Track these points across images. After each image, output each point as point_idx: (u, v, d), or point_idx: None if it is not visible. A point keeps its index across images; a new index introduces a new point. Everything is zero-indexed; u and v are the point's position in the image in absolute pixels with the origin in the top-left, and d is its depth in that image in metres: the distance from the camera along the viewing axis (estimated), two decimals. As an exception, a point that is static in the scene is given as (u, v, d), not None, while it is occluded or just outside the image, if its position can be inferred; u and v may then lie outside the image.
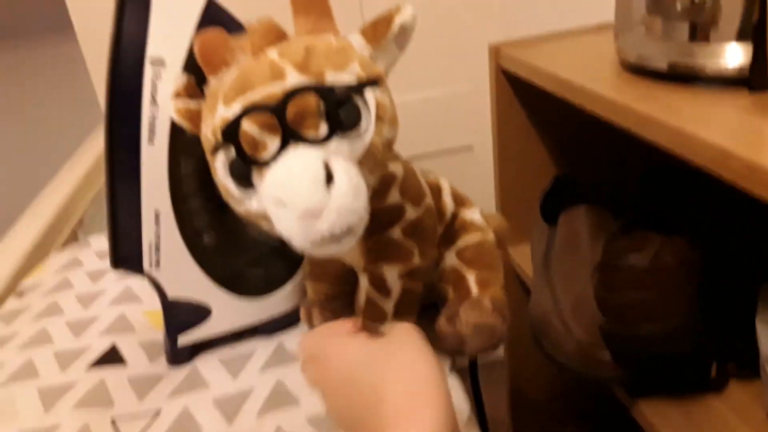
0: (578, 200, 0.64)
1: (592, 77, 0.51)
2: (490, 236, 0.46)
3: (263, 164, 0.32)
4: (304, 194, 0.30)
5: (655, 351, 0.46)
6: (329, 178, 0.31)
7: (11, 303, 0.62)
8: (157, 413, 0.44)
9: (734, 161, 0.33)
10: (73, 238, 0.84)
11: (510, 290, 0.78)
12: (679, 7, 0.44)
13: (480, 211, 0.48)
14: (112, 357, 0.50)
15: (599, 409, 0.89)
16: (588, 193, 0.66)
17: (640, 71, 0.50)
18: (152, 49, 0.41)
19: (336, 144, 0.33)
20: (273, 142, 0.32)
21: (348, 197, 0.31)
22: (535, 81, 0.60)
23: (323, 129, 0.32)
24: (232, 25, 0.41)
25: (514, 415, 0.89)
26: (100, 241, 0.72)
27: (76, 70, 1.39)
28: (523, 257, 0.75)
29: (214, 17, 0.42)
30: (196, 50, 0.37)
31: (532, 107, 0.71)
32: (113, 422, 0.43)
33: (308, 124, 0.32)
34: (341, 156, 0.33)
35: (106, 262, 0.65)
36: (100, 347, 0.51)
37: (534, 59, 0.61)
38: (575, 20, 0.72)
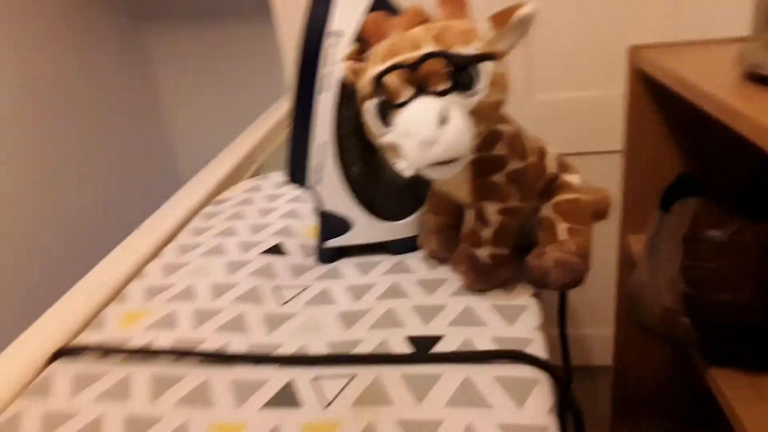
0: (694, 194, 0.69)
1: (719, 84, 0.57)
2: (586, 198, 0.55)
3: (398, 106, 0.45)
4: (423, 128, 0.43)
5: (727, 319, 0.52)
6: (444, 120, 0.43)
7: (210, 208, 0.82)
8: (306, 287, 0.59)
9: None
10: (256, 173, 1.05)
11: (623, 271, 0.85)
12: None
13: (586, 181, 0.56)
14: (278, 250, 0.67)
15: (698, 411, 0.91)
16: (704, 188, 0.70)
17: (756, 78, 0.54)
18: (334, 25, 0.55)
19: (453, 97, 0.44)
20: (407, 91, 0.45)
21: (455, 134, 0.43)
22: (661, 79, 0.66)
23: (445, 85, 0.44)
24: (392, 10, 0.54)
25: (615, 411, 0.95)
26: (276, 177, 0.90)
27: (266, 50, 1.67)
28: (639, 245, 0.81)
29: (381, 3, 0.55)
30: (363, 27, 0.51)
31: (662, 108, 0.77)
32: (274, 288, 0.60)
33: (434, 81, 0.44)
34: (456, 106, 0.44)
35: (280, 191, 0.83)
36: (270, 242, 0.68)
37: (668, 62, 0.67)
38: (715, 33, 0.76)
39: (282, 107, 1.29)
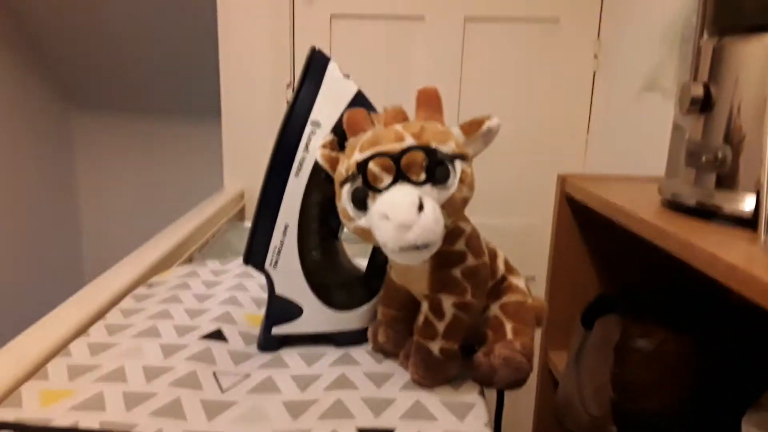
0: (613, 311, 0.75)
1: (636, 206, 0.64)
2: (530, 302, 0.58)
3: (378, 191, 0.48)
4: (403, 211, 0.45)
5: (653, 425, 0.55)
6: (421, 207, 0.46)
7: (141, 290, 0.78)
8: (248, 375, 0.57)
9: (720, 263, 0.45)
10: (189, 260, 1.02)
11: (544, 385, 0.88)
12: (704, 160, 0.58)
13: (527, 285, 0.60)
14: (217, 335, 0.64)
15: None
16: (622, 307, 0.76)
17: (674, 206, 0.62)
18: (314, 115, 0.59)
19: (429, 189, 0.48)
20: (388, 178, 0.48)
21: (431, 222, 0.45)
22: (588, 203, 0.73)
23: (423, 176, 0.48)
24: (371, 109, 0.58)
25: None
26: (214, 264, 0.88)
27: (210, 147, 1.69)
28: (559, 360, 0.85)
29: (359, 101, 0.59)
30: (345, 119, 0.55)
31: (586, 230, 0.84)
32: (214, 374, 0.57)
33: (414, 171, 0.48)
34: (431, 197, 0.47)
35: (219, 277, 0.81)
36: (209, 328, 0.66)
37: (593, 188, 0.75)
38: (641, 170, 0.87)
39: (216, 203, 1.28)
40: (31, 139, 1.66)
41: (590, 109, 1.38)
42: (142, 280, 0.82)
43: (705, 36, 0.58)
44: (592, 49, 1.36)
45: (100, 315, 0.70)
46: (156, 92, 1.80)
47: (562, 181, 0.83)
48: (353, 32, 1.38)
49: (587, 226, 0.84)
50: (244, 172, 1.46)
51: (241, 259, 0.88)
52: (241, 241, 1.14)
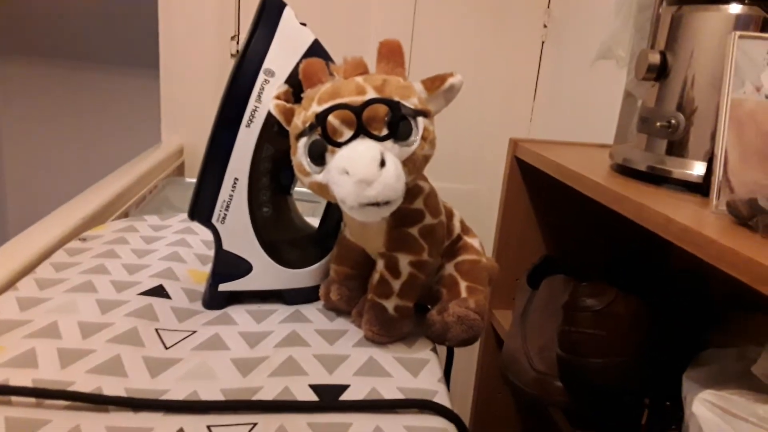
0: (559, 272, 0.76)
1: (587, 170, 0.65)
2: (484, 261, 0.58)
3: (337, 145, 0.46)
4: (364, 167, 0.44)
5: (598, 382, 0.56)
6: (382, 163, 0.44)
7: (74, 243, 0.73)
8: (193, 332, 0.54)
9: (674, 225, 0.46)
10: (125, 216, 0.97)
11: (487, 343, 0.89)
12: (657, 126, 0.59)
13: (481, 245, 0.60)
14: (159, 292, 0.61)
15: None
16: (568, 268, 0.78)
17: (625, 171, 0.64)
18: (267, 63, 0.55)
19: (391, 144, 0.46)
20: (348, 132, 0.46)
21: (392, 178, 0.44)
22: (540, 167, 0.74)
23: (384, 131, 0.46)
24: (328, 59, 0.56)
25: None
26: (153, 219, 0.84)
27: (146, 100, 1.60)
28: (504, 319, 0.87)
29: (316, 51, 0.57)
30: (301, 69, 0.52)
31: (534, 194, 0.86)
32: (157, 331, 0.54)
33: (375, 126, 0.46)
34: (392, 153, 0.46)
35: (159, 233, 0.78)
36: (149, 284, 0.63)
37: (544, 153, 0.76)
38: (585, 138, 0.89)
39: (154, 158, 1.22)
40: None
41: (537, 77, 1.39)
42: (74, 234, 0.77)
43: (664, 4, 0.58)
44: (542, 19, 1.36)
45: (29, 269, 0.65)
46: (89, 39, 1.68)
47: (514, 144, 0.83)
48: (302, -15, 1.33)
49: (535, 190, 0.85)
50: (183, 127, 1.39)
51: (182, 215, 0.85)
52: (180, 197, 1.09)
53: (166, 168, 1.26)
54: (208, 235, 0.77)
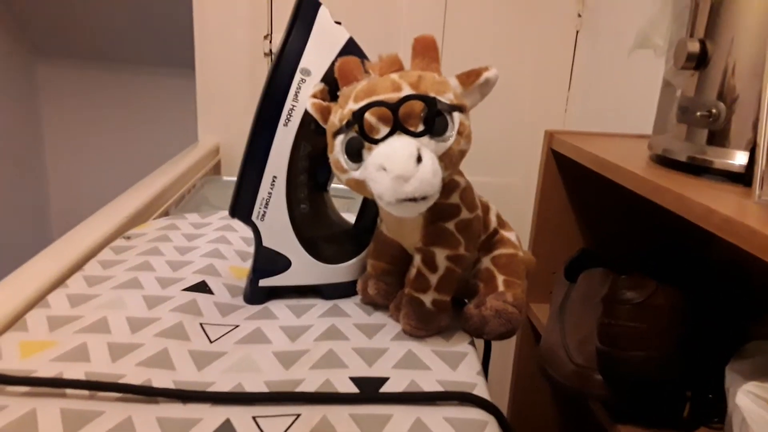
0: (596, 266, 0.76)
1: (626, 161, 0.65)
2: (521, 255, 0.58)
3: (374, 142, 0.46)
4: (401, 163, 0.44)
5: (639, 374, 0.56)
6: (419, 159, 0.45)
7: (120, 242, 0.76)
8: (236, 326, 0.56)
9: (716, 216, 0.45)
10: (165, 214, 0.99)
11: (524, 337, 0.89)
12: (698, 115, 0.58)
13: (518, 239, 0.60)
14: (202, 287, 0.63)
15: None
16: (606, 261, 0.77)
17: (665, 162, 0.63)
18: (304, 62, 0.56)
19: (427, 140, 0.47)
20: (384, 129, 0.46)
21: (429, 173, 0.45)
22: (577, 159, 0.73)
23: (421, 127, 0.46)
24: (363, 57, 0.57)
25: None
26: (193, 217, 0.86)
27: (183, 100, 1.63)
28: (541, 312, 0.86)
29: (351, 49, 0.57)
30: (336, 67, 0.53)
31: (571, 186, 0.85)
32: (201, 325, 0.56)
33: (411, 122, 0.46)
34: (429, 149, 0.46)
35: (200, 230, 0.80)
36: (193, 280, 0.64)
37: (580, 144, 0.75)
38: (621, 129, 0.88)
39: (191, 157, 1.25)
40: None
41: (572, 68, 1.37)
42: (118, 233, 0.80)
43: (703, -9, 0.57)
44: (576, 8, 1.34)
45: (77, 267, 0.68)
46: (127, 42, 1.73)
47: (549, 136, 0.82)
48: (333, -18, 1.34)
49: (571, 182, 0.84)
50: (219, 126, 1.42)
51: (221, 213, 0.87)
52: (217, 196, 1.12)
53: (203, 167, 1.29)
54: (246, 231, 0.79)
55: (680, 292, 0.56)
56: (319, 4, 0.57)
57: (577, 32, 1.36)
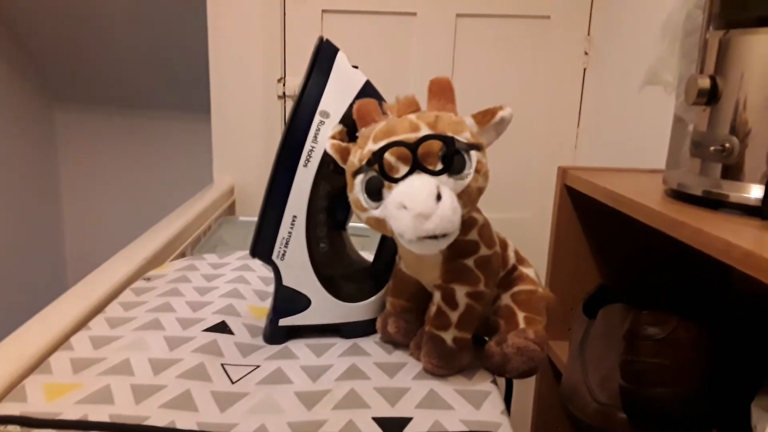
0: (615, 301, 0.75)
1: (640, 196, 0.65)
2: (540, 291, 0.59)
3: (394, 181, 0.47)
4: (421, 201, 0.45)
5: (663, 412, 0.55)
6: (438, 197, 0.46)
7: (140, 283, 0.77)
8: (257, 366, 0.56)
9: (736, 250, 0.46)
10: (182, 256, 1.00)
11: (544, 374, 0.88)
12: (711, 150, 0.59)
13: (536, 275, 0.60)
14: (222, 328, 0.63)
15: None
16: (624, 297, 0.77)
17: (680, 196, 0.63)
18: (323, 105, 0.58)
19: (446, 178, 0.47)
20: (404, 168, 0.47)
21: (449, 211, 0.45)
22: (591, 195, 0.74)
23: (439, 166, 0.47)
24: (380, 100, 0.58)
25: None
26: (212, 257, 0.87)
27: (198, 143, 1.66)
28: (560, 349, 0.86)
29: (368, 92, 0.59)
30: (355, 109, 0.55)
31: (585, 222, 0.85)
32: (223, 366, 0.56)
33: (431, 161, 0.47)
34: (448, 187, 0.47)
35: (218, 270, 0.80)
36: (213, 320, 0.65)
37: (593, 180, 0.75)
38: (631, 164, 0.89)
39: (207, 198, 1.26)
40: (13, 135, 1.63)
41: (580, 105, 1.39)
42: (138, 274, 0.81)
43: (711, 29, 0.59)
44: (582, 46, 1.37)
45: (99, 309, 0.69)
46: (142, 87, 1.77)
47: (563, 172, 0.83)
48: (344, 28, 1.38)
49: (585, 218, 0.84)
50: (234, 168, 1.44)
51: (239, 253, 0.88)
52: (233, 236, 1.13)
53: (218, 207, 1.30)
54: (264, 271, 0.80)
55: (702, 327, 0.56)
56: (337, 50, 0.59)
57: (585, 70, 1.38)
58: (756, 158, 0.54)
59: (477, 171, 0.49)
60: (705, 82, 0.57)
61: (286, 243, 0.59)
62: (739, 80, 0.55)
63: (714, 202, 0.58)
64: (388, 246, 0.64)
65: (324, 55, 0.59)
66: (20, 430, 0.45)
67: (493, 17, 1.37)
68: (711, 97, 0.57)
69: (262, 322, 0.64)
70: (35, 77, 1.73)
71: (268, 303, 0.63)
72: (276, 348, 0.60)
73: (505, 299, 0.57)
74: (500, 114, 0.51)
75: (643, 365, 0.56)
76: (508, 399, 0.61)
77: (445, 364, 0.54)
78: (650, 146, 1.07)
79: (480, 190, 0.50)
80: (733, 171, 0.56)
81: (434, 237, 0.46)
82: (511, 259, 0.58)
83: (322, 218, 0.60)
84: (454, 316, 0.53)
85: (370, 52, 1.39)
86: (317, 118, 0.57)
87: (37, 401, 0.49)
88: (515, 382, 0.62)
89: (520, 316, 0.56)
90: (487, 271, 0.54)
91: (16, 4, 1.58)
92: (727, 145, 0.55)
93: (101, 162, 1.85)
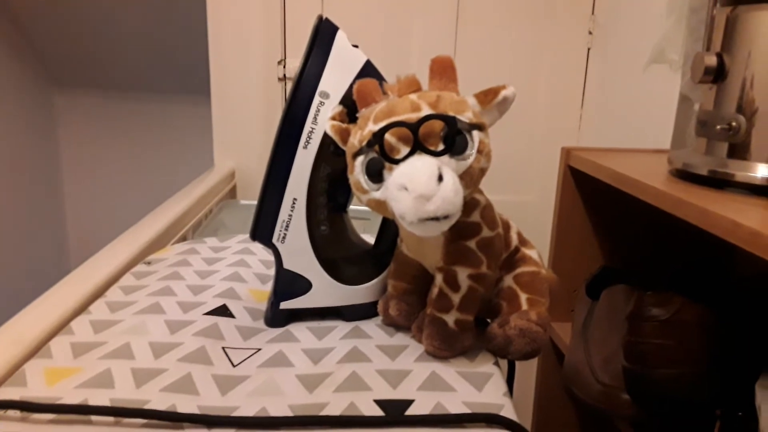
0: (618, 283, 0.75)
1: (645, 176, 0.64)
2: (543, 272, 0.58)
3: (394, 162, 0.47)
4: (422, 182, 0.44)
5: (667, 393, 0.55)
6: (440, 178, 0.45)
7: (140, 267, 0.76)
8: (258, 349, 0.56)
9: (742, 230, 0.45)
10: (183, 239, 1.00)
11: (547, 356, 0.88)
12: (717, 129, 0.58)
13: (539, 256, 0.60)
14: (223, 311, 0.63)
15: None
16: (627, 278, 0.76)
17: (685, 176, 0.62)
18: (322, 86, 0.57)
19: (447, 159, 0.47)
20: (405, 149, 0.47)
21: (451, 192, 0.45)
22: (595, 175, 0.73)
23: (441, 146, 0.47)
24: (380, 79, 0.57)
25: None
26: (212, 241, 0.87)
27: (198, 126, 1.65)
28: (562, 331, 0.85)
29: (369, 71, 0.58)
30: (355, 89, 0.54)
31: (589, 203, 0.84)
32: (224, 349, 0.56)
33: (431, 141, 0.47)
34: (449, 167, 0.46)
35: (219, 254, 0.80)
36: (213, 304, 0.64)
37: (597, 161, 0.75)
38: (636, 144, 0.88)
39: (208, 182, 1.26)
40: (13, 120, 1.62)
41: (584, 85, 1.38)
42: (139, 258, 0.81)
43: (718, 5, 0.57)
44: (586, 26, 1.35)
45: (99, 293, 0.68)
46: (142, 70, 1.76)
47: (566, 153, 0.82)
48: (345, 7, 1.36)
49: (589, 199, 0.84)
50: (234, 151, 1.43)
51: (240, 236, 0.87)
52: (234, 219, 1.12)
53: (219, 191, 1.30)
54: (265, 254, 0.80)
55: (707, 308, 0.55)
56: (337, 29, 0.58)
57: (589, 49, 1.36)
58: (763, 137, 0.53)
59: (479, 151, 0.48)
60: (711, 60, 0.56)
61: (287, 226, 0.58)
62: (746, 58, 0.54)
63: (720, 182, 0.57)
64: (389, 228, 0.63)
65: (323, 35, 0.57)
66: (20, 414, 0.45)
67: (495, -4, 1.35)
68: (717, 75, 0.56)
69: (263, 306, 0.64)
70: (35, 61, 1.72)
71: (269, 286, 0.63)
72: (277, 331, 0.60)
73: (508, 281, 0.57)
74: (503, 93, 0.50)
75: (647, 346, 0.56)
76: (510, 381, 0.61)
77: (447, 346, 0.54)
78: (655, 126, 1.06)
79: (482, 171, 0.50)
80: (740, 150, 0.55)
81: (436, 219, 0.45)
82: (514, 240, 0.58)
83: (323, 201, 0.59)
84: (456, 298, 0.53)
85: (371, 31, 1.37)
86: (317, 99, 0.57)
87: (37, 386, 0.49)
88: (518, 363, 0.61)
89: (523, 297, 0.55)
90: (489, 252, 0.53)
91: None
92: (734, 123, 0.54)
93: (102, 146, 1.85)
